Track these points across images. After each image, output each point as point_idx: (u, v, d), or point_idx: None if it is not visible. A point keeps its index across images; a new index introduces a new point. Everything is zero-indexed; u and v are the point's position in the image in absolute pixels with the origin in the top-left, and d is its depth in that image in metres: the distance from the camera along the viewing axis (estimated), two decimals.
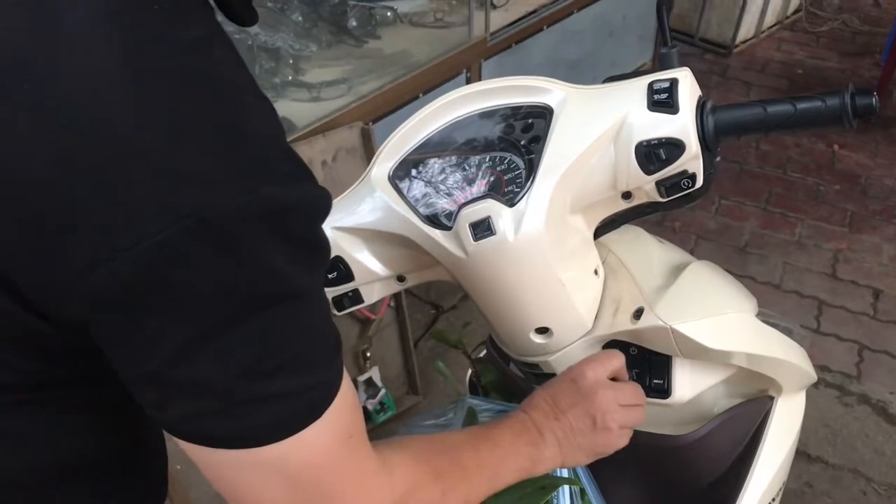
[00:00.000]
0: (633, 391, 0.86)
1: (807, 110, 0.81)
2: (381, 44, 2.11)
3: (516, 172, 0.83)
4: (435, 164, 0.86)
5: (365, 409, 2.02)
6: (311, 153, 1.71)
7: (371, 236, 0.88)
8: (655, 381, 0.92)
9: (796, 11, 4.14)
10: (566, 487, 0.89)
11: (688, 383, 0.92)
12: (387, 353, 2.07)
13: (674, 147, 0.79)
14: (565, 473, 0.91)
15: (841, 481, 2.00)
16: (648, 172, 0.80)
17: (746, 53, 3.86)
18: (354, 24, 2.09)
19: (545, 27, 2.45)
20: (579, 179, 0.82)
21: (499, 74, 2.25)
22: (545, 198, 0.80)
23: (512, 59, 2.35)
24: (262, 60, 1.88)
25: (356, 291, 0.92)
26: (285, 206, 0.50)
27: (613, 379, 0.86)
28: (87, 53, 0.47)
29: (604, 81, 0.88)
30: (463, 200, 0.83)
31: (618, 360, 0.86)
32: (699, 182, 0.81)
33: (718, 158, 0.85)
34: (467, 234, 0.80)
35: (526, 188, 0.81)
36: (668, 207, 0.85)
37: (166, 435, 0.57)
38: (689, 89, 0.80)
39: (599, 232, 0.91)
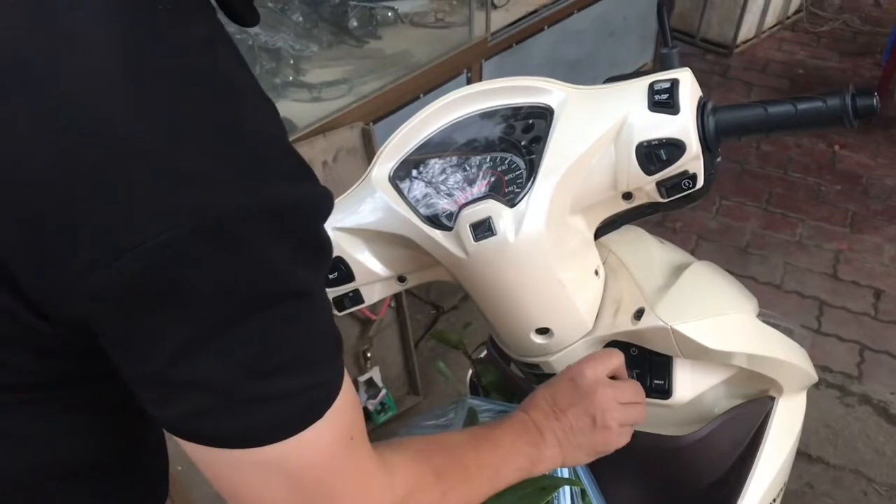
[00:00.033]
0: (632, 389, 0.86)
1: (807, 111, 0.81)
2: (382, 44, 2.11)
3: (517, 173, 0.83)
4: (435, 165, 0.86)
5: (366, 409, 2.02)
6: (312, 153, 1.71)
7: (372, 237, 0.88)
8: (656, 381, 0.92)
9: (797, 11, 4.14)
10: (567, 488, 0.89)
11: (688, 384, 0.92)
12: (387, 354, 2.07)
13: (674, 147, 0.78)
14: (566, 474, 0.91)
15: (842, 482, 2.00)
16: (649, 173, 0.80)
17: (747, 53, 3.86)
18: (355, 24, 2.09)
19: (546, 27, 2.45)
20: (580, 180, 0.82)
21: (499, 74, 2.25)
22: (546, 198, 0.80)
23: (512, 60, 2.35)
24: (262, 61, 1.88)
25: (357, 292, 0.92)
26: (287, 205, 0.50)
27: (613, 377, 0.86)
28: (88, 53, 0.47)
29: (604, 82, 0.88)
30: (463, 201, 0.83)
31: (617, 359, 0.86)
32: (700, 182, 0.81)
33: (719, 159, 0.85)
34: (468, 234, 0.80)
35: (526, 189, 0.81)
36: (669, 208, 0.85)
37: (167, 435, 0.57)
38: (689, 90, 0.80)
39: (600, 232, 0.91)
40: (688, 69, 0.83)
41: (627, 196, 0.83)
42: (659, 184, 0.81)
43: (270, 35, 1.92)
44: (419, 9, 2.22)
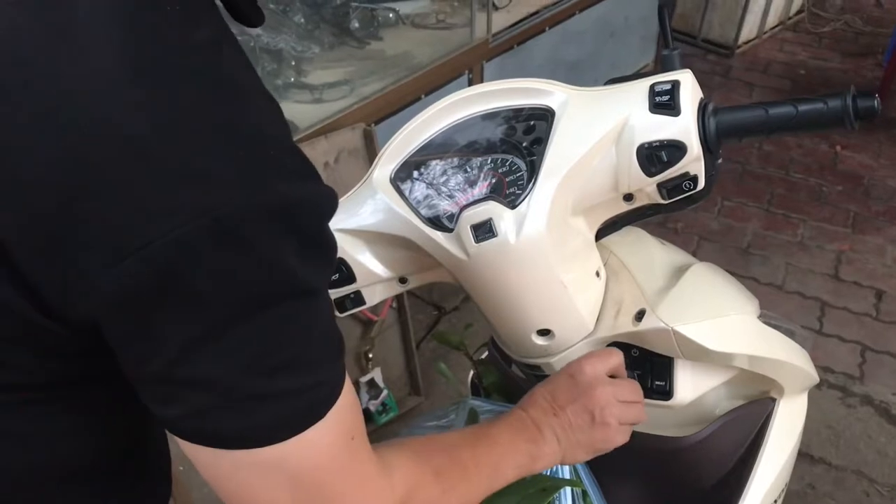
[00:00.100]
0: (631, 388, 0.86)
1: (808, 112, 0.81)
2: (383, 45, 2.11)
3: (518, 174, 0.83)
4: (437, 166, 0.86)
5: (367, 410, 2.02)
6: (314, 154, 1.71)
7: (373, 238, 0.88)
8: (657, 382, 0.92)
9: (799, 12, 4.14)
10: (568, 489, 0.89)
11: (690, 385, 0.92)
12: (389, 355, 2.07)
13: (675, 149, 0.78)
14: (567, 474, 0.91)
15: (844, 483, 2.00)
16: (650, 174, 0.80)
17: (749, 54, 3.85)
18: (356, 25, 2.09)
19: (547, 28, 2.45)
20: (581, 181, 0.82)
21: (501, 76, 2.25)
22: (547, 200, 0.80)
23: (514, 61, 2.35)
24: (264, 62, 1.88)
25: (358, 293, 0.92)
26: (290, 204, 0.50)
27: (612, 376, 0.86)
28: (88, 53, 0.47)
29: (605, 83, 0.88)
30: (464, 202, 0.83)
31: (616, 358, 0.86)
32: (701, 184, 0.81)
33: (720, 160, 0.85)
34: (469, 236, 0.80)
35: (527, 190, 0.81)
36: (670, 209, 0.85)
37: (169, 435, 0.57)
38: (690, 91, 0.80)
39: (601, 234, 0.91)
40: (689, 71, 0.83)
41: (628, 197, 0.83)
42: (660, 185, 0.81)
43: (272, 36, 1.92)
44: (420, 10, 2.22)
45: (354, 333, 1.93)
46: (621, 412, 0.83)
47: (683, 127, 0.78)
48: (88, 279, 0.47)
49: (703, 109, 0.81)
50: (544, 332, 0.87)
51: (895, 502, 1.96)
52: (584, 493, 0.92)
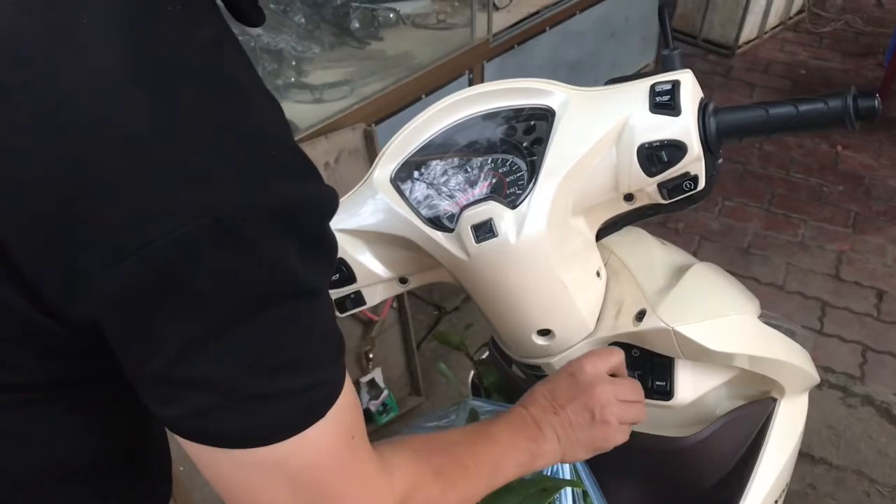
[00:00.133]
0: (631, 387, 0.86)
1: (809, 112, 0.81)
2: (384, 45, 2.11)
3: (518, 174, 0.83)
4: (437, 166, 0.86)
5: (368, 410, 2.02)
6: (314, 155, 1.71)
7: (373, 238, 0.88)
8: (658, 382, 0.92)
9: (799, 12, 4.13)
10: (568, 489, 0.89)
11: (690, 385, 0.92)
12: (389, 355, 2.07)
13: (676, 149, 0.78)
14: (567, 474, 0.91)
15: (844, 483, 2.00)
16: (650, 174, 0.80)
17: (749, 54, 3.85)
18: (357, 25, 2.09)
19: (547, 28, 2.45)
20: (581, 181, 0.82)
21: (501, 76, 2.25)
22: (547, 200, 0.80)
23: (514, 61, 2.35)
24: (264, 62, 1.88)
25: (358, 293, 0.92)
26: (291, 203, 0.50)
27: (613, 375, 0.86)
28: (89, 53, 0.47)
29: (606, 83, 0.88)
30: (465, 202, 0.83)
31: (617, 357, 0.86)
32: (701, 184, 0.81)
33: (720, 160, 0.85)
34: (469, 236, 0.80)
35: (528, 190, 0.81)
36: (671, 209, 0.85)
37: (170, 435, 0.57)
38: (690, 91, 0.80)
39: (601, 234, 0.91)
40: (689, 71, 0.83)
41: (629, 197, 0.83)
42: (660, 185, 0.81)
43: (272, 36, 1.92)
44: (421, 10, 2.22)
45: (355, 333, 1.93)
46: (621, 411, 0.83)
47: (684, 127, 0.78)
48: (88, 279, 0.47)
49: (703, 109, 0.81)
50: (545, 332, 0.87)
51: None
52: (585, 493, 0.92)
